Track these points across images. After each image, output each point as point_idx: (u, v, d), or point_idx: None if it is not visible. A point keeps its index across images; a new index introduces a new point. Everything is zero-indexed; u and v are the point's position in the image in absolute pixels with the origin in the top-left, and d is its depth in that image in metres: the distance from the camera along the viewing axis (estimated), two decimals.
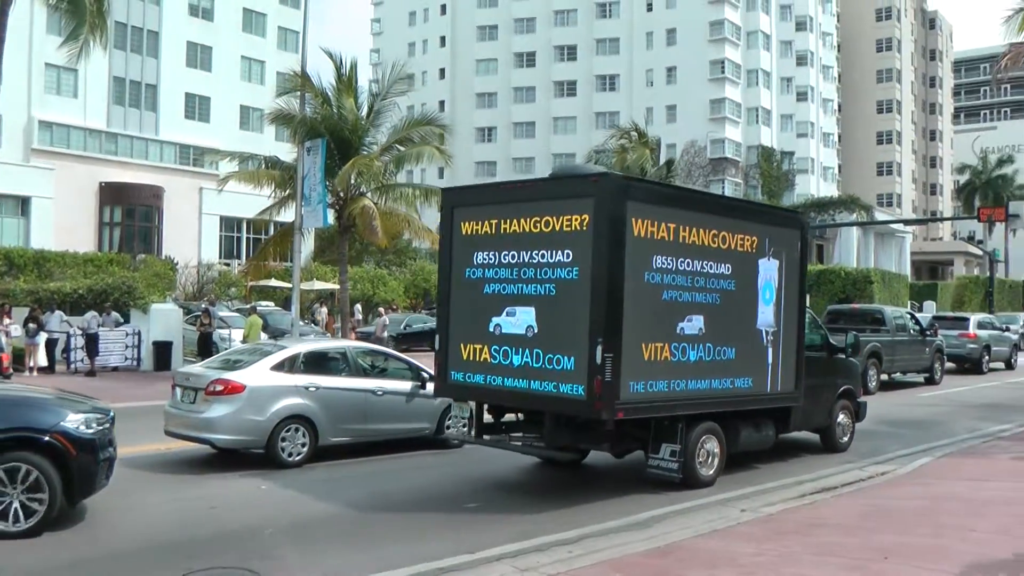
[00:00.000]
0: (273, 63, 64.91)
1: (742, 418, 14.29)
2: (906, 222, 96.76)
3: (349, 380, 15.82)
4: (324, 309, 45.23)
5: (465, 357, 13.32)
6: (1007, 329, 41.32)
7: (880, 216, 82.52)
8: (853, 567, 8.96)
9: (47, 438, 10.14)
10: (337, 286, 36.64)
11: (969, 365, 35.84)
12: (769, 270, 14.23)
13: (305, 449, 14.82)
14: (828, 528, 10.60)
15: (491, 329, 12.91)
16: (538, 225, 12.49)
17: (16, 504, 9.91)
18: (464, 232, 13.49)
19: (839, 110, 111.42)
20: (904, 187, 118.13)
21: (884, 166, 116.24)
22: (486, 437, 14.13)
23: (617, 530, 10.63)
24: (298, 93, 30.00)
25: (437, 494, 13.03)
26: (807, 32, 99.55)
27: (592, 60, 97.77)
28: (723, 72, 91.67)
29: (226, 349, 27.07)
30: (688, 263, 12.82)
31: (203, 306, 35.27)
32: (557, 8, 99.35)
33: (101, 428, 10.80)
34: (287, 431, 14.60)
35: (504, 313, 12.80)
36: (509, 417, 14.37)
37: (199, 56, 63.16)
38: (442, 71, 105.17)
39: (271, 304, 43.07)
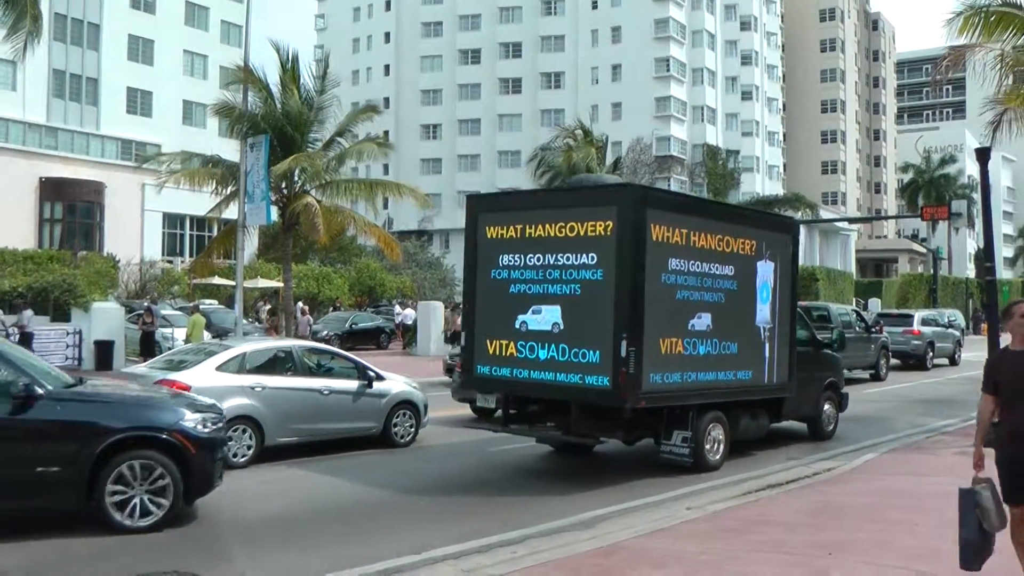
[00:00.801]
0: (216, 57, 64.12)
1: (742, 408, 15.37)
2: (851, 220, 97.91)
3: (295, 380, 15.75)
4: (268, 307, 44.76)
5: (491, 352, 14.24)
6: (950, 325, 41.89)
7: (825, 214, 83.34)
8: (798, 563, 8.98)
9: (165, 436, 10.43)
10: (281, 284, 36.29)
11: (913, 361, 36.24)
12: (766, 271, 15.34)
13: (251, 451, 14.70)
14: (773, 525, 10.62)
15: (517, 326, 13.85)
16: (563, 230, 13.46)
17: (138, 500, 10.21)
18: (489, 236, 14.43)
19: (784, 109, 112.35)
20: (849, 186, 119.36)
21: (829, 165, 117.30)
22: (512, 427, 15.03)
23: (561, 530, 10.58)
24: (242, 87, 29.64)
25: (383, 494, 12.96)
26: (752, 32, 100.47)
27: (537, 57, 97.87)
28: (668, 70, 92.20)
29: (169, 348, 26.70)
30: (698, 265, 13.96)
31: (145, 304, 34.77)
32: (502, 5, 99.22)
33: (216, 427, 11.08)
34: (233, 431, 14.35)
35: (530, 311, 13.74)
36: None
37: (141, 49, 62.41)
38: (387, 67, 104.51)
39: (214, 302, 42.51)
